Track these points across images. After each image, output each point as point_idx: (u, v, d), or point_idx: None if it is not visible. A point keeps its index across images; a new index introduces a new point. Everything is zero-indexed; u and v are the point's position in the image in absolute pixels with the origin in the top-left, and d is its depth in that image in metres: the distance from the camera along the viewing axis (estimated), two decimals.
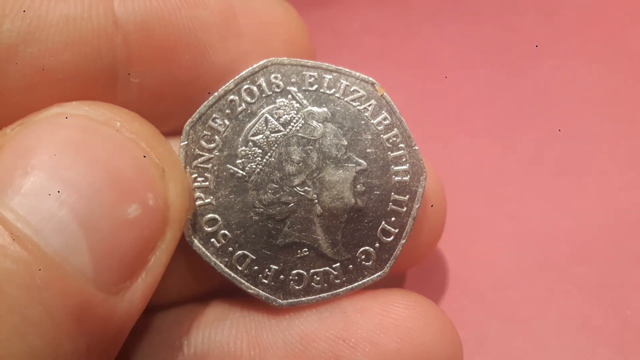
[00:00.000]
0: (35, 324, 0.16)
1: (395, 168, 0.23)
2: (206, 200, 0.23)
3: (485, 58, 0.36)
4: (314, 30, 0.25)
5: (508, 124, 0.34)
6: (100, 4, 0.21)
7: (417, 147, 0.23)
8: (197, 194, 0.23)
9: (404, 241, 0.23)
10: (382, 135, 0.23)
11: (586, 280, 0.29)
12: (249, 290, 0.23)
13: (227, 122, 0.23)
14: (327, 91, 0.23)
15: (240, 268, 0.23)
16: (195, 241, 0.23)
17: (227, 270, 0.23)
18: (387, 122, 0.23)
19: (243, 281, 0.23)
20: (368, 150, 0.23)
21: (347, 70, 0.23)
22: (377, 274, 0.23)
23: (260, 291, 0.23)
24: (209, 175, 0.23)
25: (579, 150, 0.33)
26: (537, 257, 0.30)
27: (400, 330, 0.22)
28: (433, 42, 0.37)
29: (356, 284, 0.23)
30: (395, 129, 0.23)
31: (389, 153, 0.23)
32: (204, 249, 0.23)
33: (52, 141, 0.18)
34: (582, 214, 0.31)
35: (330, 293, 0.23)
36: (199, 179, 0.23)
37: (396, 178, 0.23)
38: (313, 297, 0.23)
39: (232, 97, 0.23)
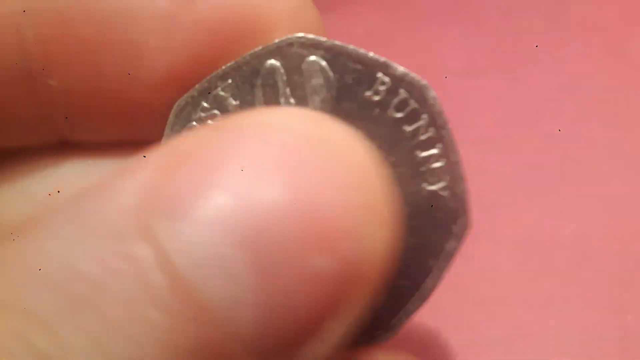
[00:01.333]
0: (139, 347, 0.12)
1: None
2: None
3: (488, 64, 0.36)
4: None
5: (510, 129, 0.34)
6: None
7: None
8: None
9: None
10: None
11: (587, 285, 0.29)
12: None
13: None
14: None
15: None
16: None
17: None
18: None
19: None
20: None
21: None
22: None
23: None
24: None
25: (581, 156, 0.33)
26: (538, 262, 0.30)
27: None
28: (436, 47, 0.37)
29: None
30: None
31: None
32: None
33: (246, 158, 0.13)
34: (583, 220, 0.31)
35: None
36: None
37: None
38: None
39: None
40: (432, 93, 0.17)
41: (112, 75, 0.18)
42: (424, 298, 0.17)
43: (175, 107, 0.18)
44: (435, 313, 0.30)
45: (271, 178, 0.13)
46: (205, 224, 0.13)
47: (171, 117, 0.18)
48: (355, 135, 0.15)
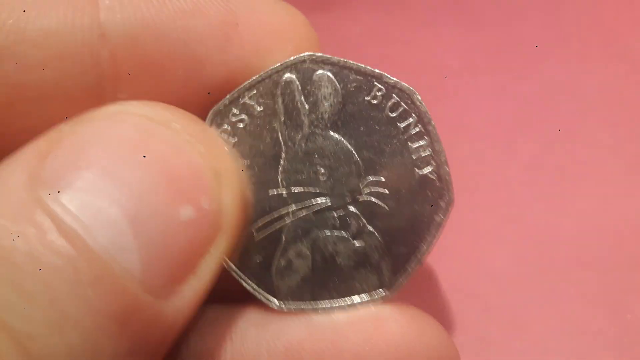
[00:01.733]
0: (76, 321, 0.16)
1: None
2: None
3: (486, 62, 0.36)
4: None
5: (509, 128, 0.34)
6: (86, 16, 0.20)
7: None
8: None
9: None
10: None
11: (587, 284, 0.30)
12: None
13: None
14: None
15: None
16: None
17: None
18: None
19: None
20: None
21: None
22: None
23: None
24: None
25: (581, 155, 0.33)
26: (538, 261, 0.30)
27: (391, 350, 0.21)
28: (435, 46, 0.37)
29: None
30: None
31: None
32: None
33: (107, 138, 0.18)
34: (583, 218, 0.31)
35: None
36: None
37: None
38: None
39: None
40: (418, 97, 0.22)
41: (177, 86, 0.21)
42: (419, 261, 0.22)
43: (210, 113, 0.22)
44: (434, 312, 0.30)
45: (130, 151, 0.18)
46: (84, 192, 0.17)
47: (207, 121, 0.22)
48: (188, 116, 0.20)
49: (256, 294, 0.22)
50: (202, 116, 0.22)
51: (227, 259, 0.22)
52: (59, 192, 0.17)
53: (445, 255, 0.30)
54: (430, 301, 0.30)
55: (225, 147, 0.21)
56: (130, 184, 0.17)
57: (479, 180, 0.33)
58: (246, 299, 0.24)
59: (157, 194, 0.18)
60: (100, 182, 0.17)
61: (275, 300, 0.22)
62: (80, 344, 0.16)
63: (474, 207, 0.32)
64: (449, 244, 0.30)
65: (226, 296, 0.24)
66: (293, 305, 0.22)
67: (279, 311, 0.22)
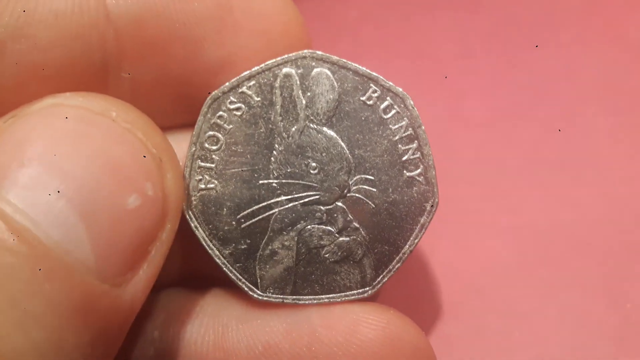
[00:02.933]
0: (37, 317, 0.16)
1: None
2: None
3: (484, 48, 0.36)
4: (309, 20, 0.24)
5: (507, 116, 0.34)
6: None
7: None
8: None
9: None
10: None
11: (586, 274, 0.29)
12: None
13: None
14: None
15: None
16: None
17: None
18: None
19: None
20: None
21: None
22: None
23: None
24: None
25: (579, 143, 0.32)
26: (536, 251, 0.30)
27: (365, 355, 0.21)
28: (431, 32, 0.37)
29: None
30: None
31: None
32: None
33: (47, 132, 0.18)
34: (581, 207, 0.31)
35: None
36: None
37: None
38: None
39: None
40: (411, 101, 0.22)
41: (177, 65, 0.22)
42: (401, 260, 0.23)
43: (208, 99, 0.22)
44: (433, 303, 0.29)
45: (72, 143, 0.18)
46: (29, 188, 0.17)
47: (204, 107, 0.22)
48: (123, 104, 0.20)
49: (238, 282, 0.22)
50: (201, 100, 0.22)
51: (210, 245, 0.22)
52: (4, 190, 0.17)
53: (443, 245, 0.30)
54: (427, 291, 0.30)
55: (163, 133, 0.21)
56: (75, 176, 0.17)
57: (476, 169, 0.32)
58: (217, 284, 0.24)
59: (103, 184, 0.18)
60: (45, 176, 0.17)
61: (257, 290, 0.22)
62: (45, 340, 0.16)
63: (472, 196, 0.31)
64: (447, 234, 0.30)
65: (193, 280, 0.25)
66: (274, 297, 0.22)
67: (260, 304, 0.23)
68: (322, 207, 0.22)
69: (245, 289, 0.22)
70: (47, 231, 0.17)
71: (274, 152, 0.22)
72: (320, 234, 0.22)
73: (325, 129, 0.22)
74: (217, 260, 0.22)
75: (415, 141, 0.22)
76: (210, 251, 0.22)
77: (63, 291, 0.17)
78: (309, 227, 0.22)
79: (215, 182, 0.22)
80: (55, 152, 0.18)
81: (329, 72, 0.22)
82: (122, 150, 0.19)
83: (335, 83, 0.22)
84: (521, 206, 0.31)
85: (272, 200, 0.22)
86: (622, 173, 0.31)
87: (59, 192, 0.17)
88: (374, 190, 0.22)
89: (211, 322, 0.23)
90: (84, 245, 0.17)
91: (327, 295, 0.23)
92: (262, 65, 0.22)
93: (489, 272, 0.30)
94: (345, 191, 0.22)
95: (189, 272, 0.25)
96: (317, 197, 0.22)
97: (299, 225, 0.22)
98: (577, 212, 0.30)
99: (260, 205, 0.22)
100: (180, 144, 0.23)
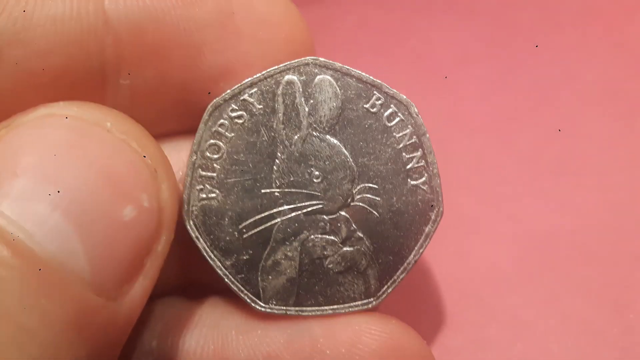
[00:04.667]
0: (33, 332, 0.16)
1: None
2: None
3: (482, 53, 0.36)
4: (309, 27, 0.24)
5: (506, 120, 0.33)
6: (90, 3, 0.20)
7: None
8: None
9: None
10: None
11: (588, 283, 0.29)
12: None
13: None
14: None
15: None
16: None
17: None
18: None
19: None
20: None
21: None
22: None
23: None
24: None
25: (580, 148, 0.32)
26: (537, 259, 0.30)
27: None
28: (430, 37, 0.36)
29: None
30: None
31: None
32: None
33: (41, 142, 0.18)
34: (583, 214, 0.30)
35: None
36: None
37: None
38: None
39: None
40: (415, 109, 0.22)
41: (177, 71, 0.22)
42: (406, 270, 0.22)
43: (209, 106, 0.22)
44: (435, 313, 0.29)
45: (67, 154, 0.17)
46: (23, 199, 0.17)
47: (205, 115, 0.22)
48: (117, 114, 0.19)
49: (240, 294, 0.22)
50: (201, 108, 0.22)
51: (211, 256, 0.22)
52: None
53: (443, 252, 0.30)
54: (427, 301, 0.29)
55: (158, 144, 0.20)
56: (70, 187, 0.17)
57: (476, 175, 0.32)
58: (216, 293, 0.24)
59: (98, 195, 0.17)
60: (40, 187, 0.17)
61: (260, 302, 0.22)
62: (40, 356, 0.16)
63: (472, 202, 0.31)
64: (448, 242, 0.29)
65: (192, 288, 0.24)
66: (277, 308, 0.22)
67: (261, 315, 0.22)
68: (325, 217, 0.22)
69: (248, 300, 0.22)
70: (42, 243, 0.16)
71: (277, 160, 0.22)
72: (324, 244, 0.22)
73: (328, 137, 0.22)
74: (219, 272, 0.22)
75: (420, 149, 0.22)
76: (211, 262, 0.22)
77: (58, 305, 0.16)
78: (312, 237, 0.22)
79: (217, 191, 0.22)
80: (50, 163, 0.17)
81: (331, 79, 0.22)
82: (117, 161, 0.18)
83: (338, 90, 0.22)
84: (523, 213, 0.31)
85: (275, 210, 0.22)
86: (625, 178, 0.31)
87: (53, 203, 0.17)
88: (378, 199, 0.22)
89: (210, 332, 0.22)
90: (79, 257, 0.17)
91: (331, 307, 0.22)
92: (264, 72, 0.22)
93: (489, 280, 0.29)
94: (349, 200, 0.22)
95: (188, 281, 0.24)
96: (320, 206, 0.22)
97: (302, 235, 0.22)
98: (579, 218, 0.30)
99: (263, 215, 0.22)
100: (180, 152, 0.23)
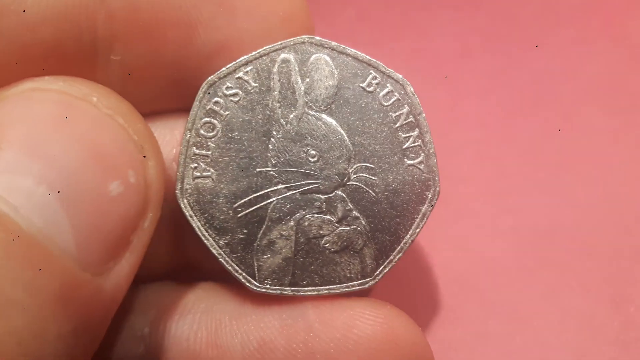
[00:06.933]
0: (17, 305, 0.16)
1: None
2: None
3: (483, 47, 0.35)
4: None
5: (506, 115, 0.33)
6: None
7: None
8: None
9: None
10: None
11: (588, 277, 0.29)
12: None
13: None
14: None
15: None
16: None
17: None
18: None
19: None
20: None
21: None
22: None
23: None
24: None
25: (579, 142, 0.32)
26: (537, 253, 0.29)
27: (361, 351, 0.21)
28: (430, 30, 0.36)
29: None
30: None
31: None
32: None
33: (27, 116, 0.17)
34: (583, 208, 0.30)
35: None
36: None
37: None
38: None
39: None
40: (411, 88, 0.22)
41: (171, 48, 0.21)
42: (402, 250, 0.22)
43: (204, 84, 0.22)
44: (432, 306, 0.29)
45: (53, 128, 0.17)
46: (9, 173, 0.16)
47: (200, 92, 0.22)
48: (104, 89, 0.19)
49: (235, 273, 0.22)
50: (195, 85, 0.22)
51: (206, 235, 0.21)
52: None
53: (442, 246, 0.29)
54: (427, 295, 0.29)
55: (145, 121, 0.20)
56: (56, 161, 0.17)
57: (477, 169, 0.32)
58: (209, 277, 0.23)
59: (85, 170, 0.17)
60: (26, 161, 0.17)
61: (255, 282, 0.22)
62: (25, 329, 0.16)
63: (472, 197, 0.31)
64: (446, 235, 0.29)
65: (184, 273, 0.24)
66: (272, 288, 0.22)
67: (256, 298, 0.22)
68: (321, 196, 0.22)
69: (242, 280, 0.22)
70: (27, 217, 0.16)
71: (272, 139, 0.22)
72: (320, 223, 0.22)
73: (324, 115, 0.22)
74: (213, 251, 0.22)
75: (416, 129, 0.22)
76: (205, 241, 0.21)
77: (43, 279, 0.16)
78: (308, 216, 0.22)
79: (211, 170, 0.21)
80: (36, 136, 0.17)
81: (327, 58, 0.22)
82: (104, 136, 0.18)
83: (334, 69, 0.22)
84: (522, 207, 0.30)
85: (270, 189, 0.22)
86: (624, 173, 0.31)
87: (39, 177, 0.16)
88: (375, 178, 0.22)
89: (204, 318, 0.22)
90: (65, 232, 0.17)
91: (327, 287, 0.22)
92: (260, 50, 0.22)
93: (488, 274, 0.29)
94: (345, 179, 0.22)
95: (180, 265, 0.24)
96: (316, 185, 0.22)
97: (297, 215, 0.22)
98: (579, 213, 0.30)
99: (258, 193, 0.22)
100: (174, 130, 0.23)
